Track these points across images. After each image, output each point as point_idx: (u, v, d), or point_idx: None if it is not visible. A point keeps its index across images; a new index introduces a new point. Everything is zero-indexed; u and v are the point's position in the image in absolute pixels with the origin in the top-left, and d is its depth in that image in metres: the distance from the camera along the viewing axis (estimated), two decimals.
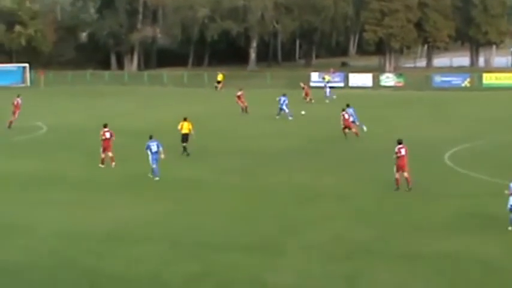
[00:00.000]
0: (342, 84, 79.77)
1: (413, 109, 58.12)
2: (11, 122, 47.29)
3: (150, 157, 31.14)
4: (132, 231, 23.18)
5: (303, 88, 64.79)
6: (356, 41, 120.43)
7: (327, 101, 63.51)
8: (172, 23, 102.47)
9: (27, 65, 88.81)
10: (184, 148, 36.39)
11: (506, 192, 22.78)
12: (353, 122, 42.45)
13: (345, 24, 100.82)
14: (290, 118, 50.13)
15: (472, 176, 28.98)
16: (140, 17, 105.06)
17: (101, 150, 33.79)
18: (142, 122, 50.01)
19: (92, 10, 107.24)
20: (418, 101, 65.32)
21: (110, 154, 33.86)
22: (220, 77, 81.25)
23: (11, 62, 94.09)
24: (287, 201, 27.16)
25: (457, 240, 21.80)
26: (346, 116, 40.98)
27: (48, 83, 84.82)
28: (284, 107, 50.81)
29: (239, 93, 56.39)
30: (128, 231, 23.15)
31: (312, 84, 78.63)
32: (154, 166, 31.12)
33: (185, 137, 36.39)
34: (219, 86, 79.98)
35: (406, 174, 28.27)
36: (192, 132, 36.51)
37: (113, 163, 33.77)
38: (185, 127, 36.43)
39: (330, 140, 41.76)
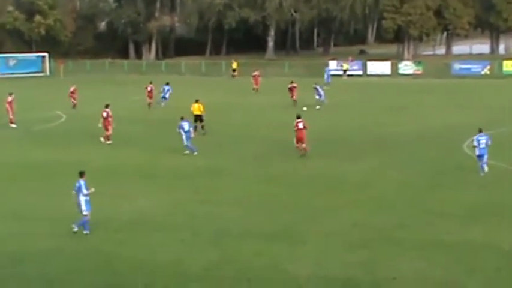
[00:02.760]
0: (360, 73, 79.61)
1: (432, 97, 57.88)
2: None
3: (183, 136, 33.48)
4: (153, 219, 23.39)
5: (255, 76, 64.18)
6: (374, 28, 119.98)
7: (325, 88, 63.12)
8: (190, 12, 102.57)
9: (46, 54, 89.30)
10: (196, 128, 38.14)
11: (475, 144, 28.15)
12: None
13: (363, 12, 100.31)
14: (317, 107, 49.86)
15: (491, 164, 28.91)
16: (158, 5, 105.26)
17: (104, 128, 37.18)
18: (160, 110, 50.23)
19: None
20: (437, 89, 65.07)
21: (107, 133, 36.89)
22: (234, 65, 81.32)
23: (30, 51, 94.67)
24: (307, 189, 27.26)
25: (475, 229, 21.82)
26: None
27: (67, 72, 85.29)
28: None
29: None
30: (148, 219, 23.37)
31: (329, 72, 78.45)
32: (188, 144, 33.55)
33: (197, 117, 39.01)
34: (235, 74, 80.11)
35: (304, 145, 32.61)
36: (204, 113, 39.26)
37: (102, 138, 36.95)
38: (196, 108, 39.20)
39: (348, 128, 41.80)
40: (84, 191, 21.69)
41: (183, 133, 33.67)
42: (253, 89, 62.68)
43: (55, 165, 32.38)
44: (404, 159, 32.59)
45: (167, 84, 53.69)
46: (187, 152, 33.63)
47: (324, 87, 61.17)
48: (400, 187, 27.29)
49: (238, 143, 37.29)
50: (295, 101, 51.08)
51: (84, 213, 21.71)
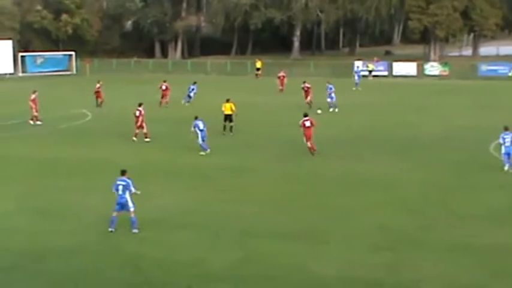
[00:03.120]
0: (385, 73, 79.22)
1: (459, 98, 57.47)
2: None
3: (199, 134, 33.74)
4: (175, 218, 23.42)
5: (280, 77, 63.48)
6: (400, 29, 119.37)
7: (354, 89, 63.26)
8: (216, 11, 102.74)
9: (73, 53, 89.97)
10: (225, 127, 38.77)
11: (501, 142, 29.28)
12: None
13: (389, 13, 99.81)
14: (336, 110, 48.58)
15: None
16: (184, 5, 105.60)
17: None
18: (185, 110, 50.31)
19: None
20: (463, 90, 64.58)
21: (144, 130, 37.64)
22: (258, 64, 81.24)
23: (57, 50, 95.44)
24: (330, 189, 27.16)
25: (502, 231, 21.58)
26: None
27: (93, 71, 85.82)
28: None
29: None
30: (171, 218, 23.40)
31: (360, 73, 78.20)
32: (201, 142, 33.76)
33: (227, 117, 38.97)
34: (259, 73, 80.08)
35: (309, 144, 33.03)
36: (235, 112, 39.23)
37: (147, 138, 37.56)
38: (228, 108, 39.06)
39: (373, 128, 41.60)
40: (132, 189, 21.71)
41: (198, 132, 33.87)
42: (279, 90, 62.54)
43: (80, 163, 32.60)
44: (430, 160, 32.36)
45: (194, 83, 54.01)
46: (202, 153, 33.73)
47: (354, 89, 61.65)
48: (425, 188, 27.08)
49: (262, 143, 37.24)
50: (310, 102, 49.41)
51: (131, 209, 21.72)
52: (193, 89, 53.52)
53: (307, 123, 33.19)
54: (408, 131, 40.35)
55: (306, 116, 33.68)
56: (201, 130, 33.84)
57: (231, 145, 36.37)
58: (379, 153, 34.00)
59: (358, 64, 78.33)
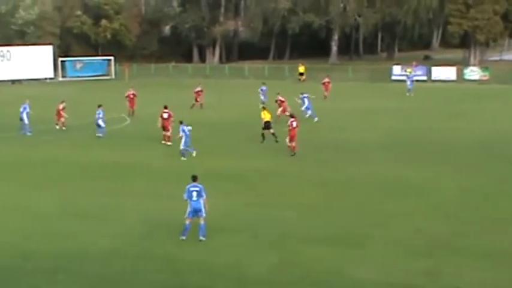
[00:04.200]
0: (424, 78, 78.56)
1: (498, 103, 56.75)
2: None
3: (183, 139, 34.14)
4: (213, 222, 23.39)
5: (325, 83, 62.18)
6: (439, 33, 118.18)
7: (408, 94, 62.89)
8: (254, 16, 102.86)
9: (112, 58, 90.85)
10: (263, 135, 38.29)
11: None
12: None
13: (428, 17, 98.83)
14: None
15: None
16: (222, 10, 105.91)
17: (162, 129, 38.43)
18: (223, 114, 50.51)
19: (175, 3, 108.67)
20: (503, 95, 63.74)
21: (168, 133, 38.07)
22: (302, 69, 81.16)
23: (96, 55, 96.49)
24: (369, 194, 27.03)
25: None
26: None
27: (132, 76, 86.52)
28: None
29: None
30: (208, 222, 23.40)
31: (393, 77, 77.76)
32: (186, 147, 34.24)
33: (267, 124, 38.65)
34: (302, 78, 79.92)
35: (293, 144, 33.96)
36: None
37: (168, 142, 37.71)
38: (267, 115, 38.94)
39: (410, 133, 41.29)
40: (204, 195, 21.57)
41: (184, 136, 34.23)
42: (324, 96, 62.03)
43: (119, 166, 32.92)
44: (468, 165, 32.04)
45: (263, 84, 57.55)
46: (184, 158, 33.91)
47: (407, 94, 61.50)
48: (463, 194, 26.82)
49: (300, 148, 37.13)
50: (283, 114, 44.67)
51: (204, 215, 21.42)
52: (264, 90, 56.00)
53: (294, 124, 34.29)
54: (447, 136, 39.99)
55: (292, 116, 35.17)
56: (187, 135, 34.28)
57: (267, 150, 36.37)
58: (417, 158, 33.75)
59: (394, 68, 78.02)
